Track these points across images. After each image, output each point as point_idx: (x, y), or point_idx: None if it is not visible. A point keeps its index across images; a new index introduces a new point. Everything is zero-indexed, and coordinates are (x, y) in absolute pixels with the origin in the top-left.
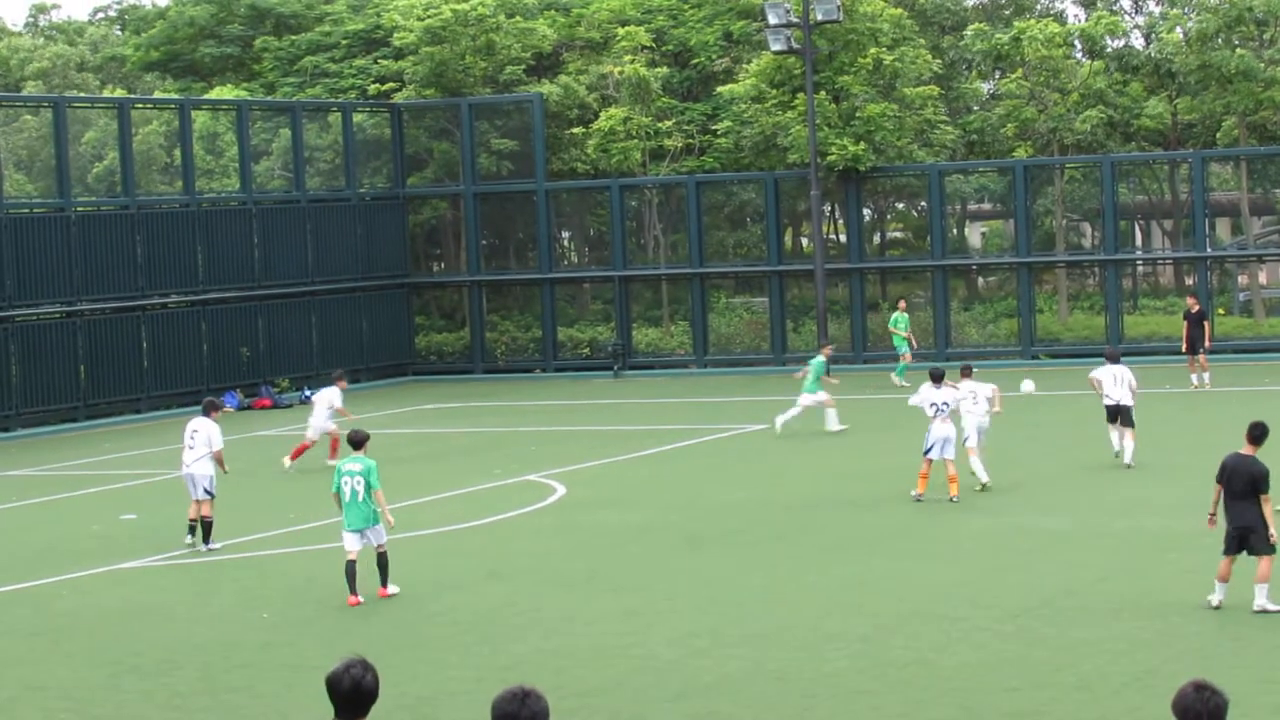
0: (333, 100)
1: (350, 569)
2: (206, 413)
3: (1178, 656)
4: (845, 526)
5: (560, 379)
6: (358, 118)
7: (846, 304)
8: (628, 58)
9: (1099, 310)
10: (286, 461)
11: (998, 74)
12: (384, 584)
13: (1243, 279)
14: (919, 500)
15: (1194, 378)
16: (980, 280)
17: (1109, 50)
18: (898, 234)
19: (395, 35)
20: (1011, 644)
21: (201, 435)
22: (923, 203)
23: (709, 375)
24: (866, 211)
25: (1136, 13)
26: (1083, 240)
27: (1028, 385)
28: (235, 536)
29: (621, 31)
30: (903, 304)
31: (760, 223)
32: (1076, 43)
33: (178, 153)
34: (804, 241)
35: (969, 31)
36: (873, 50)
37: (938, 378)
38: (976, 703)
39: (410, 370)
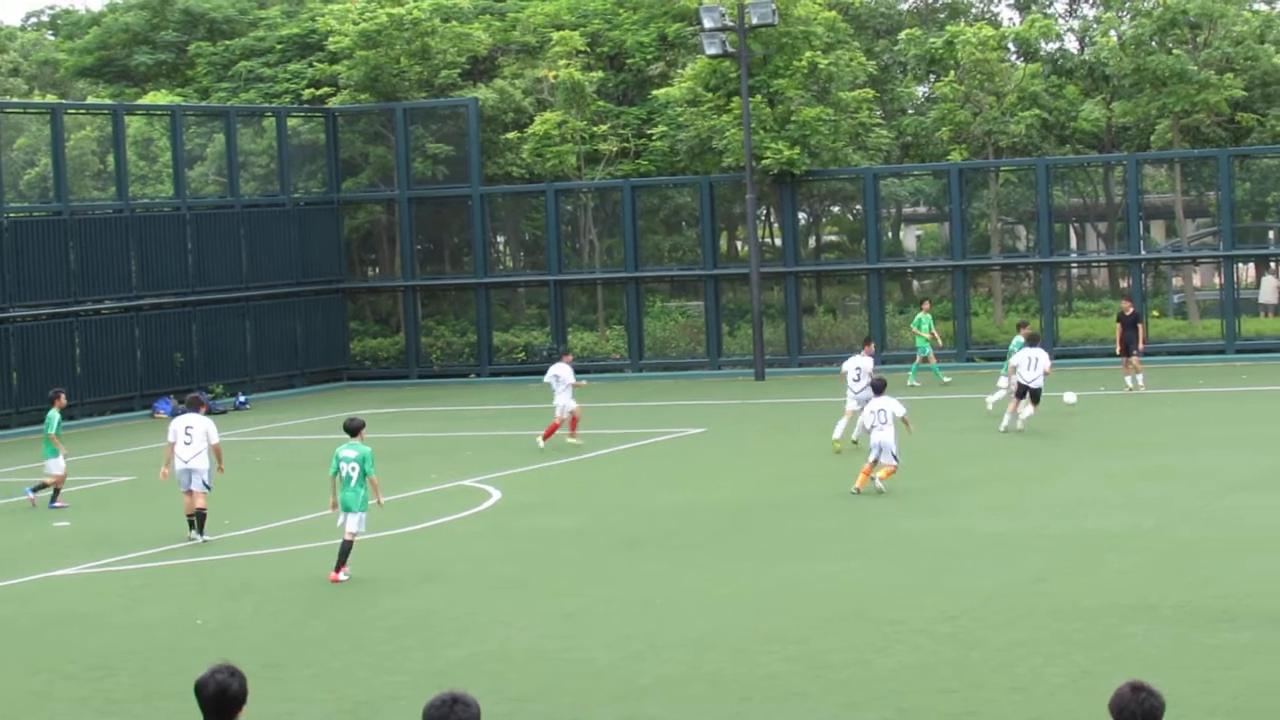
0: (267, 105)
1: (345, 547)
2: (195, 409)
3: (1115, 658)
4: (782, 528)
5: (495, 384)
6: (292, 122)
7: (782, 308)
8: (563, 62)
9: (1034, 313)
10: (540, 441)
11: (932, 77)
12: (338, 569)
13: (1177, 281)
14: (855, 494)
15: (1128, 380)
16: (915, 283)
17: (1044, 53)
18: (833, 237)
19: (330, 40)
20: (948, 645)
21: (198, 430)
22: (858, 206)
23: (644, 379)
24: (802, 215)
25: (1071, 16)
26: (1017, 243)
27: (1070, 398)
28: (168, 543)
29: (557, 35)
30: (926, 304)
31: (695, 226)
32: (1011, 46)
33: (111, 159)
34: (739, 245)
35: (903, 35)
36: (807, 54)
37: (878, 388)
38: (913, 704)
39: (345, 375)
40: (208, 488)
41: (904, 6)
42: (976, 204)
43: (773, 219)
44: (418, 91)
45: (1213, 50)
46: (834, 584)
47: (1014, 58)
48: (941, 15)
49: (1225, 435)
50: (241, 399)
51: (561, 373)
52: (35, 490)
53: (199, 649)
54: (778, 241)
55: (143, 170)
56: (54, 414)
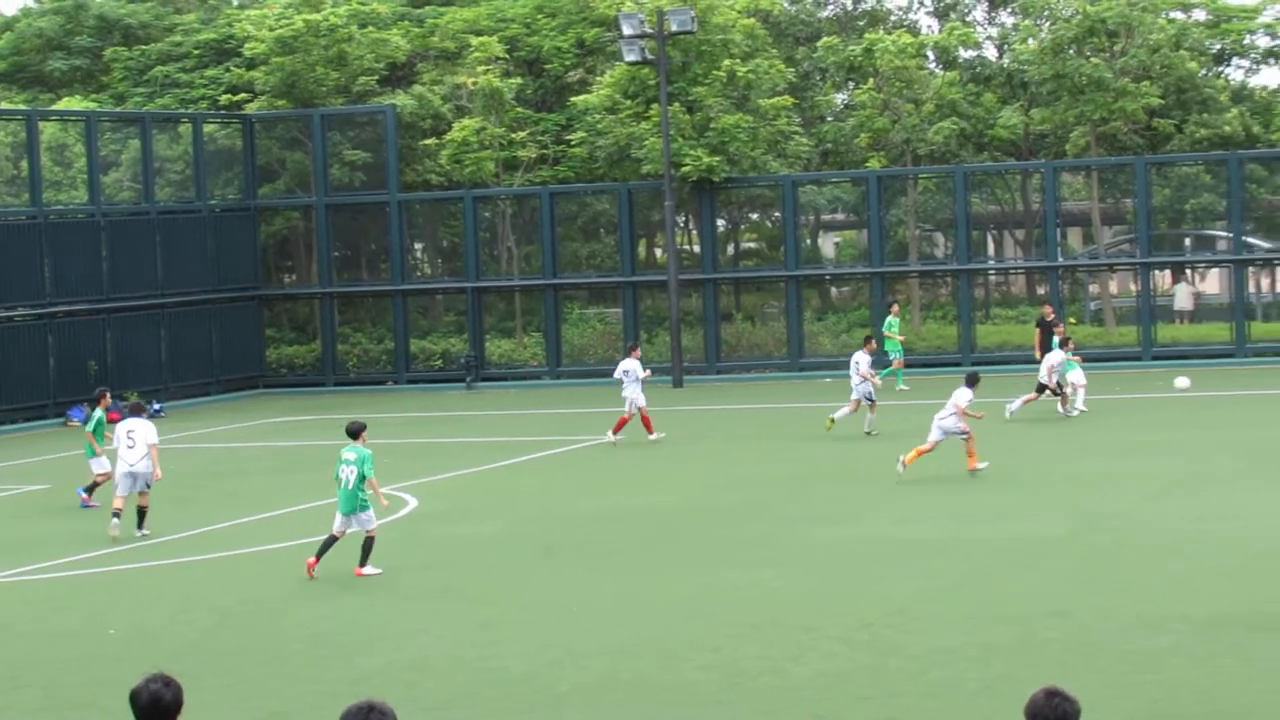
0: (183, 111)
1: (329, 541)
2: (137, 413)
3: (1031, 663)
4: (700, 536)
5: (412, 391)
6: (208, 128)
7: (700, 314)
8: (481, 68)
9: (951, 320)
10: (610, 435)
11: (851, 85)
12: (362, 563)
13: (1094, 288)
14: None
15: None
16: (834, 290)
17: (962, 61)
18: (751, 244)
19: (247, 45)
20: (865, 652)
21: (140, 434)
22: (776, 213)
23: (562, 386)
24: (720, 222)
25: (990, 24)
26: (935, 250)
27: (1183, 381)
28: (81, 552)
29: (475, 41)
30: (895, 307)
31: (614, 233)
32: (930, 54)
33: (25, 164)
34: (658, 252)
35: (822, 43)
36: (726, 61)
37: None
38: (829, 711)
39: (261, 383)
40: (149, 486)
41: (823, 14)
42: (895, 211)
43: (691, 226)
44: (335, 98)
45: (1130, 58)
46: (751, 592)
47: (933, 65)
48: (861, 23)
49: (1142, 441)
50: (156, 407)
51: (631, 367)
52: (88, 491)
53: (112, 658)
54: (696, 248)
55: (57, 176)
56: (98, 413)
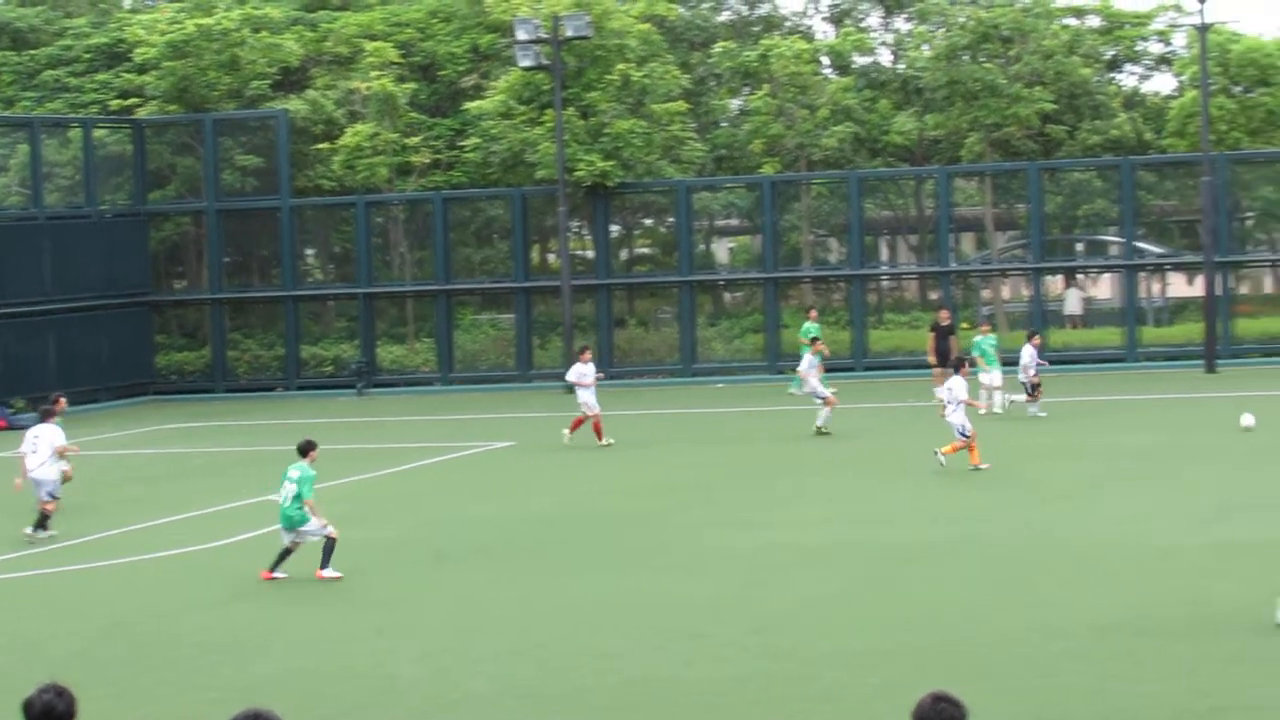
0: (73, 115)
1: (284, 553)
2: (44, 419)
3: (920, 667)
4: (594, 542)
5: (303, 397)
6: (98, 133)
7: (594, 320)
8: (375, 73)
9: (845, 325)
10: (567, 435)
11: (746, 90)
12: (324, 566)
13: (986, 293)
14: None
15: (939, 390)
16: (727, 295)
17: (857, 67)
18: (645, 250)
19: (138, 50)
20: (757, 658)
21: (44, 440)
22: (670, 218)
23: (454, 393)
24: (614, 227)
25: (885, 30)
26: (829, 255)
27: (1248, 419)
28: None
29: (369, 47)
30: (813, 312)
31: (507, 239)
32: (825, 59)
33: None
34: (551, 258)
35: (718, 48)
36: (621, 67)
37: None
38: (723, 717)
39: (151, 390)
40: (54, 497)
41: (719, 19)
42: (789, 216)
43: (585, 231)
44: (227, 102)
45: (1024, 64)
46: (644, 597)
47: (828, 71)
48: (756, 29)
49: (1033, 446)
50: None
51: (586, 371)
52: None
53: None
54: (590, 254)
55: None
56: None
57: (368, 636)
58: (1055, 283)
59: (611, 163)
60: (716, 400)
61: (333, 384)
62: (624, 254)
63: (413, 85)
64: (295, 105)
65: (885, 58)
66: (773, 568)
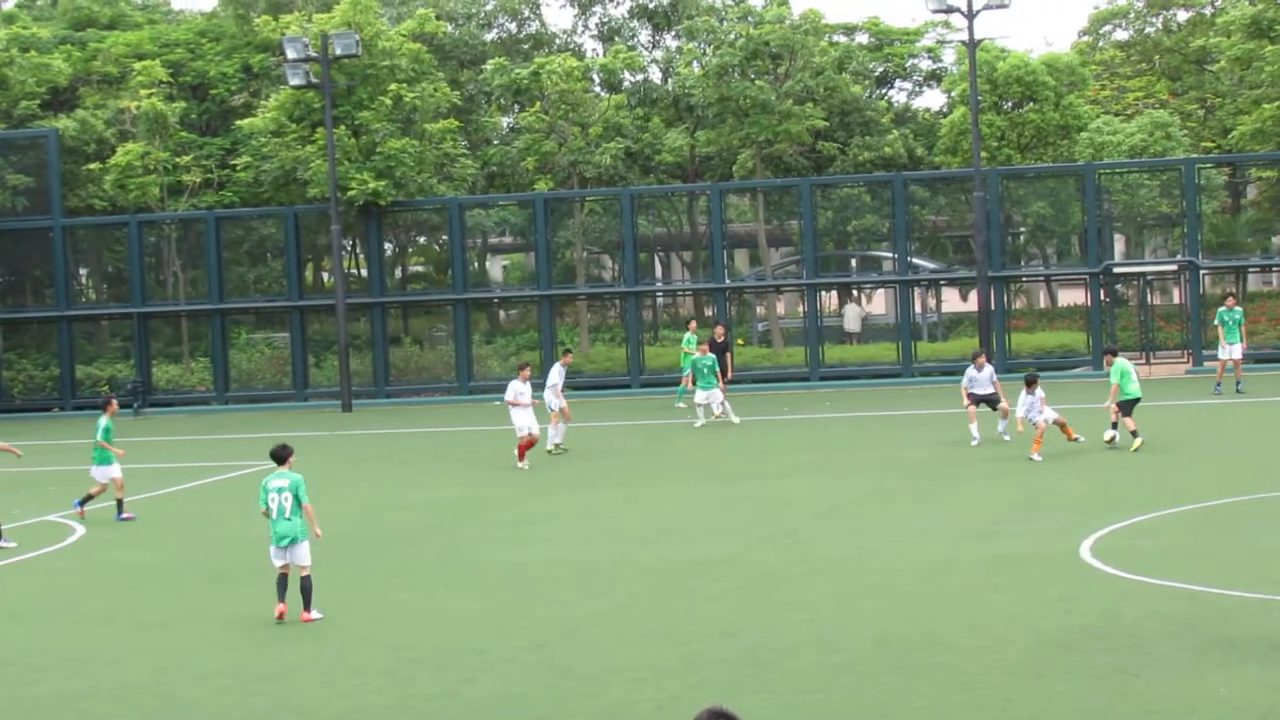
0: None
1: (281, 580)
2: None
3: (701, 683)
4: (370, 558)
5: (80, 417)
6: None
7: (369, 338)
8: (145, 92)
9: (620, 342)
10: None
11: (517, 108)
12: (307, 608)
13: (761, 309)
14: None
15: (715, 407)
16: (502, 313)
17: (628, 85)
18: (419, 268)
19: None
20: (538, 673)
21: None
22: (444, 236)
23: (230, 412)
24: (388, 246)
25: (654, 47)
26: (603, 272)
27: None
28: None
29: (139, 66)
30: (693, 324)
31: (281, 258)
32: (596, 77)
33: None
34: (325, 276)
35: (489, 65)
36: (392, 86)
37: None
38: None
39: None
40: None
41: (488, 37)
42: (562, 233)
43: (359, 250)
44: None
45: (794, 81)
46: (421, 614)
47: (599, 89)
48: (525, 46)
49: (809, 462)
50: None
51: (524, 390)
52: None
53: None
54: (364, 272)
55: None
56: (105, 421)
57: (144, 655)
58: (829, 298)
59: (383, 181)
60: (492, 418)
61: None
62: (398, 272)
63: (183, 104)
64: (65, 124)
65: (656, 75)
66: (549, 583)
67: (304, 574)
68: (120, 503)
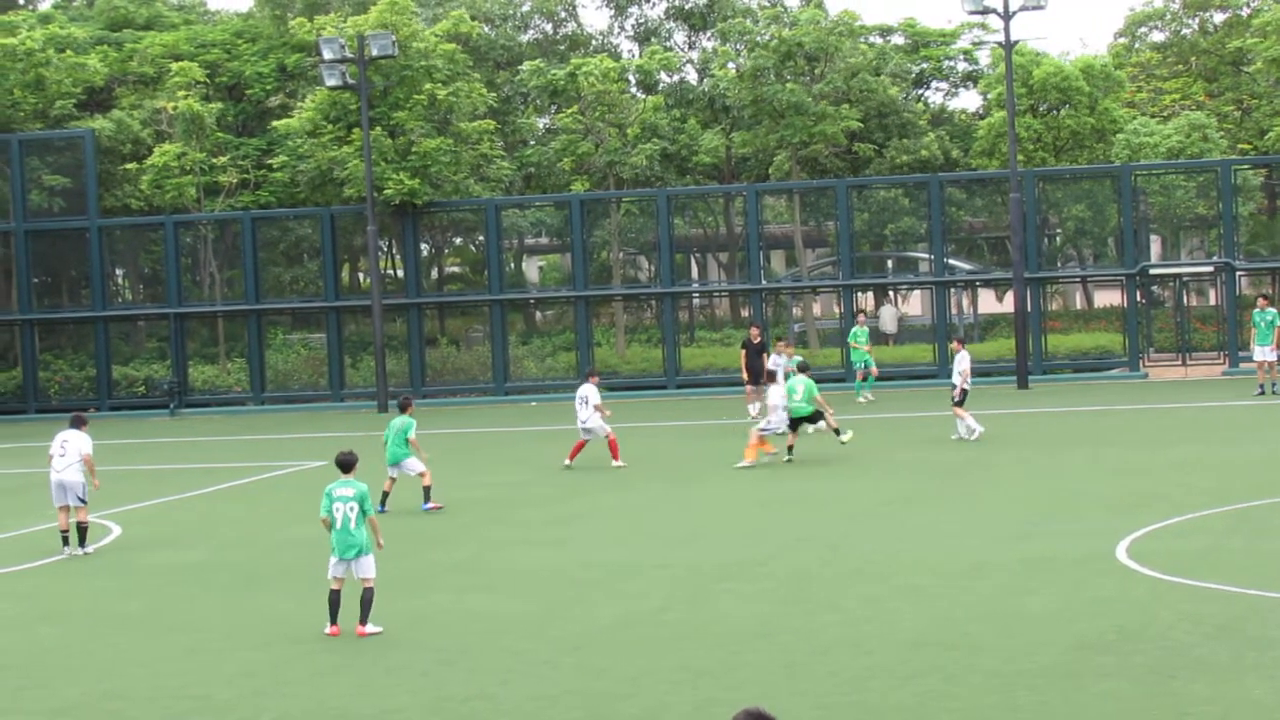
0: None
1: (334, 598)
2: (76, 426)
3: (737, 685)
4: (405, 561)
5: (117, 418)
6: None
7: (404, 339)
8: (181, 93)
9: (656, 343)
10: (567, 460)
11: (554, 109)
12: (364, 621)
13: (797, 310)
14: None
15: (751, 407)
16: (539, 314)
17: (664, 86)
18: (455, 269)
19: None
20: (573, 676)
21: (73, 445)
22: (480, 237)
23: (266, 412)
24: (424, 246)
25: (690, 48)
26: (639, 273)
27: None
28: None
29: (175, 66)
30: (861, 317)
31: (317, 258)
32: (632, 78)
33: None
34: (361, 277)
35: (526, 66)
36: (428, 86)
37: None
38: None
39: None
40: (83, 501)
41: (524, 38)
42: (598, 234)
43: (395, 250)
44: (33, 123)
45: (828, 83)
46: (456, 616)
47: (635, 90)
48: (562, 47)
49: (843, 463)
50: None
51: (589, 393)
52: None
53: None
54: (400, 273)
55: None
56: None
57: (178, 657)
58: (865, 299)
59: (419, 181)
60: (529, 418)
61: (146, 404)
62: (434, 273)
63: (219, 105)
64: (102, 125)
65: (692, 76)
66: (584, 585)
67: (367, 585)
68: (427, 490)
